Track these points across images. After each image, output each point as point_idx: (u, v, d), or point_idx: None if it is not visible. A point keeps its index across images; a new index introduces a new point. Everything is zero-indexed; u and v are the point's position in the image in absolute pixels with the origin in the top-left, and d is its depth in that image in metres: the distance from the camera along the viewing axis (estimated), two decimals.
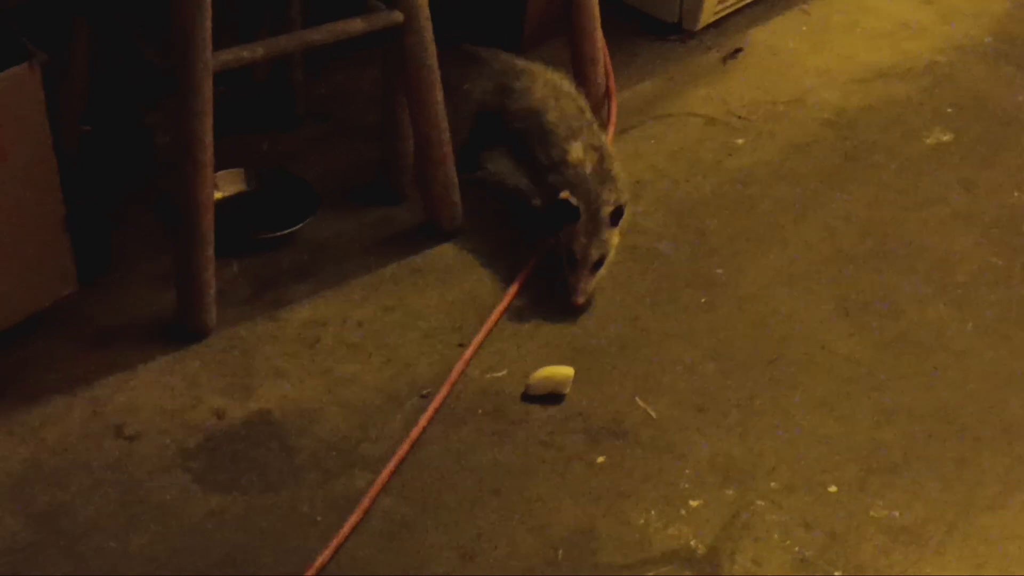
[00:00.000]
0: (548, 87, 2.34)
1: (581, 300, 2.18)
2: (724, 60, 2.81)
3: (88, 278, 2.11)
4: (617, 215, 2.19)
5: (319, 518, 1.86)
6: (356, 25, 2.13)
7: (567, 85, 2.36)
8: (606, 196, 2.19)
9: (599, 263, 2.18)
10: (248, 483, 1.91)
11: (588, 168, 2.22)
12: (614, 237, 2.20)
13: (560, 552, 1.85)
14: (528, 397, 2.05)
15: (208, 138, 1.99)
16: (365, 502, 1.87)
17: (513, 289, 2.22)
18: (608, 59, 2.56)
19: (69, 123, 2.28)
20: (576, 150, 2.24)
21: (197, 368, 2.06)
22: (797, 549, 1.87)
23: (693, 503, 1.91)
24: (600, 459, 1.97)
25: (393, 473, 1.92)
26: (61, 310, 2.08)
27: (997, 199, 2.49)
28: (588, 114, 2.33)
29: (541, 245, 2.29)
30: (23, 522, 1.83)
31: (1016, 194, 2.50)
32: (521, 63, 2.40)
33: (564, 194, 2.18)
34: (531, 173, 2.33)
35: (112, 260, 2.21)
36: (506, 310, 2.19)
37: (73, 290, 2.06)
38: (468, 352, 2.10)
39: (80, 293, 2.08)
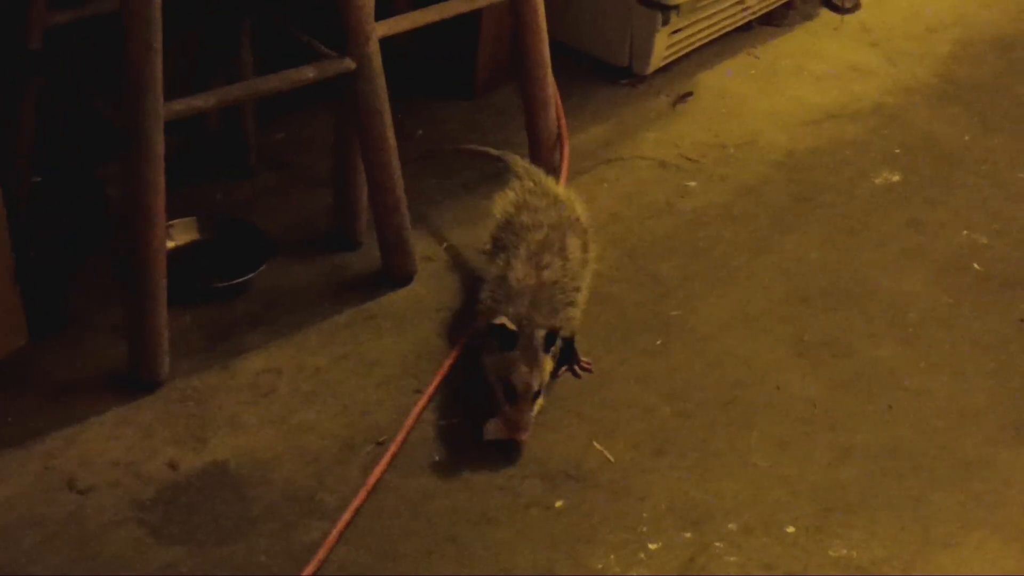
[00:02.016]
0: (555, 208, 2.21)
1: (526, 437, 2.00)
2: (674, 104, 2.83)
3: (42, 331, 2.09)
4: (550, 341, 2.01)
5: (276, 569, 1.84)
6: (308, 73, 2.14)
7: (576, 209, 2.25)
8: (540, 320, 2.03)
9: (538, 394, 2.00)
10: (203, 535, 1.88)
11: (527, 285, 2.08)
12: (549, 364, 2.03)
13: None
14: (486, 442, 2.04)
15: (160, 187, 1.99)
16: (322, 552, 1.85)
17: (468, 334, 2.21)
18: (560, 104, 2.57)
19: (18, 174, 2.27)
20: (521, 267, 2.10)
21: (151, 419, 2.04)
22: None
23: (652, 546, 1.91)
24: (558, 504, 1.97)
25: (350, 522, 1.90)
26: (12, 363, 2.05)
27: (946, 238, 2.52)
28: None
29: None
30: None
31: (965, 233, 2.53)
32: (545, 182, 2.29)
33: (500, 319, 2.01)
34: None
35: (67, 313, 2.19)
36: (461, 356, 2.18)
37: (24, 343, 2.04)
38: (424, 398, 2.09)
39: (32, 346, 2.06)
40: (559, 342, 2.05)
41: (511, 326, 2.01)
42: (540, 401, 2.02)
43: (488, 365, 2.03)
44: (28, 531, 1.87)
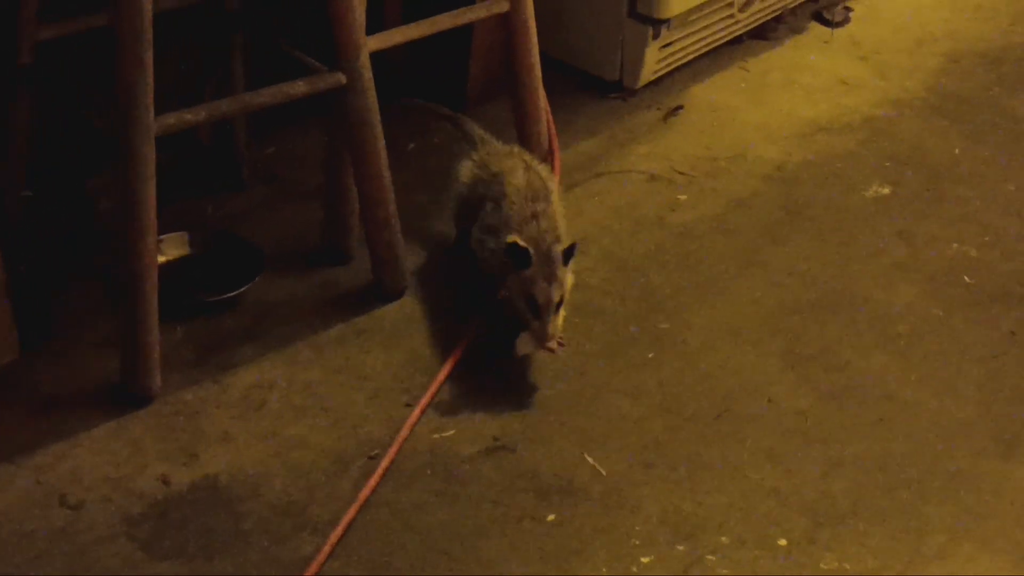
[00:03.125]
0: (522, 169, 2.29)
1: (555, 346, 2.11)
2: (665, 117, 2.84)
3: (30, 345, 2.08)
4: (569, 253, 2.13)
5: None
6: (299, 87, 2.14)
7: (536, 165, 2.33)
8: (551, 238, 2.14)
9: (559, 304, 2.12)
10: (195, 550, 1.88)
11: (527, 214, 2.17)
12: (568, 277, 2.14)
13: None
14: (520, 359, 2.11)
15: (151, 201, 1.99)
16: (314, 567, 1.85)
17: (460, 348, 2.21)
18: (551, 118, 2.58)
19: (10, 189, 2.27)
20: (517, 199, 2.20)
21: (142, 434, 2.04)
22: None
23: (644, 559, 1.91)
24: (550, 517, 1.97)
25: (342, 537, 1.90)
26: (3, 377, 2.05)
27: (936, 250, 2.52)
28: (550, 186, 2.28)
29: (487, 303, 2.29)
30: None
31: (955, 245, 2.54)
32: (504, 148, 2.38)
33: (512, 237, 2.12)
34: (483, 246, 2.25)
35: (53, 327, 2.18)
36: (453, 369, 2.19)
37: (15, 357, 2.04)
38: (416, 412, 2.09)
39: (23, 360, 2.06)
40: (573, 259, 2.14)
41: (523, 244, 2.10)
42: (563, 312, 2.13)
43: (509, 288, 2.12)
44: (19, 546, 1.86)
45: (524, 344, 2.11)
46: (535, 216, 2.18)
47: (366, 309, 2.29)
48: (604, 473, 2.04)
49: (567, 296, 2.14)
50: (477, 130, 2.45)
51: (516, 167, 2.28)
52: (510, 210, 2.20)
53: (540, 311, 2.09)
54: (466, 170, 2.35)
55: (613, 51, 2.84)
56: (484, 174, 2.31)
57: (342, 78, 2.14)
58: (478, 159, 2.35)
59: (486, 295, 2.24)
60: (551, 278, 2.10)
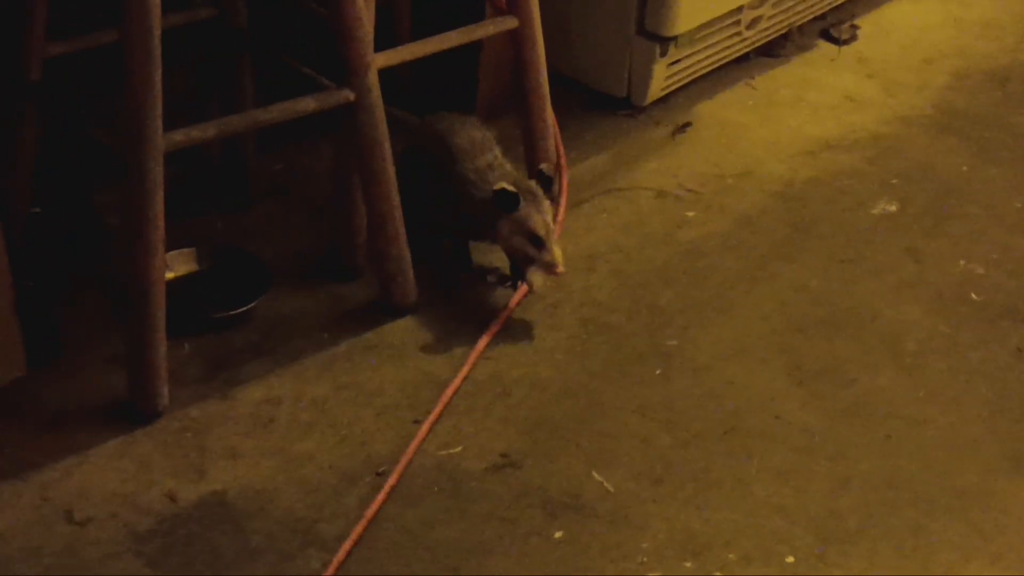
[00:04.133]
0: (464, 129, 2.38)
1: (563, 269, 2.21)
2: (673, 134, 2.84)
3: (36, 362, 2.08)
4: (545, 182, 2.25)
5: None
6: (307, 104, 2.14)
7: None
8: (517, 176, 2.29)
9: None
10: (202, 566, 1.88)
11: (485, 164, 2.29)
12: (549, 208, 2.25)
13: None
14: (535, 294, 2.26)
15: (159, 219, 1.99)
16: None
17: (467, 365, 2.21)
18: (559, 135, 2.58)
19: (17, 205, 2.27)
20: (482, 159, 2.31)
21: (149, 450, 2.04)
22: None
23: None
24: (558, 534, 1.97)
25: (349, 553, 1.90)
26: (10, 394, 2.05)
27: (943, 268, 2.52)
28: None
29: (504, 310, 2.29)
30: None
31: (962, 263, 2.54)
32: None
33: (499, 184, 2.21)
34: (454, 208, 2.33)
35: (60, 343, 2.19)
36: (461, 386, 2.18)
37: (22, 374, 2.04)
38: (423, 429, 2.09)
39: (29, 376, 2.06)
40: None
41: (511, 188, 2.21)
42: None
43: (505, 233, 2.23)
44: (25, 563, 1.86)
45: (537, 277, 2.26)
46: (490, 166, 2.30)
47: (374, 325, 2.29)
48: (611, 490, 2.04)
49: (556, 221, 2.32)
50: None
51: (454, 127, 2.36)
52: (471, 164, 2.30)
53: (542, 241, 2.21)
54: (407, 142, 2.41)
55: (621, 68, 2.85)
56: (425, 142, 2.39)
57: (350, 95, 2.15)
58: (416, 131, 2.43)
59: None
60: (541, 209, 2.23)
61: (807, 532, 1.98)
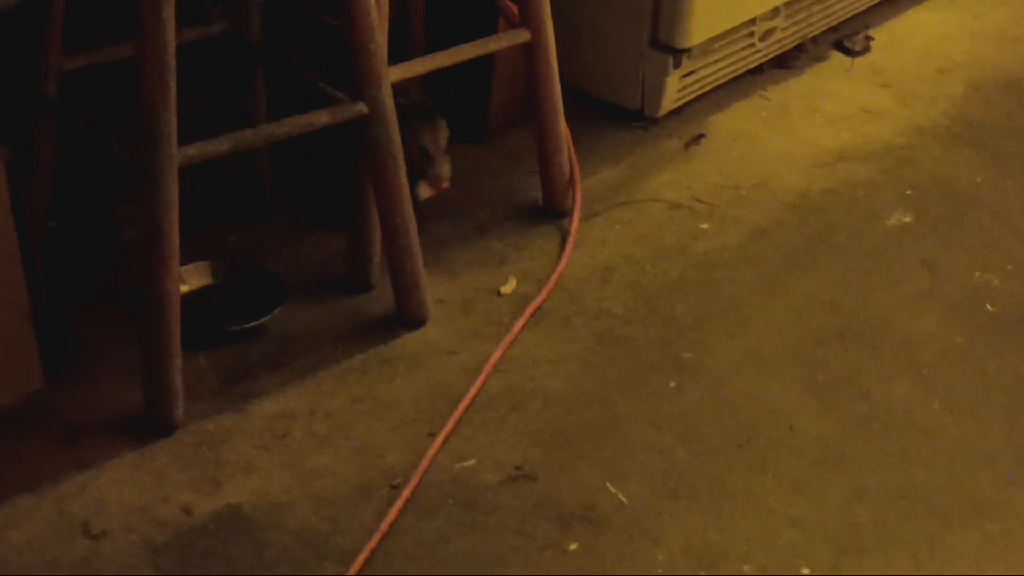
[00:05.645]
0: None
1: (447, 184, 2.42)
2: (687, 146, 2.84)
3: (53, 374, 2.09)
4: (430, 111, 2.41)
5: None
6: (321, 118, 2.15)
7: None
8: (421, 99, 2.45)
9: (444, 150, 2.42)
10: None
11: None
12: (444, 128, 2.43)
13: None
14: (422, 203, 2.37)
15: (174, 233, 2.00)
16: None
17: (482, 377, 2.22)
18: (572, 147, 2.59)
19: (35, 219, 2.28)
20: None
21: (165, 463, 2.05)
22: None
23: None
24: (572, 546, 1.96)
25: (364, 565, 1.90)
26: (26, 407, 2.06)
27: (958, 278, 2.52)
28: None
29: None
30: None
31: (977, 273, 2.53)
32: None
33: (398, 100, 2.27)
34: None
35: (76, 355, 2.19)
36: (475, 398, 2.19)
37: (38, 386, 2.04)
38: (438, 441, 2.09)
39: (46, 389, 2.06)
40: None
41: (403, 100, 2.31)
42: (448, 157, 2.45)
43: (406, 143, 2.31)
44: None
45: (424, 189, 2.42)
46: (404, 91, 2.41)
47: (388, 338, 2.30)
48: (626, 502, 2.03)
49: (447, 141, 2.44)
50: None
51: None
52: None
53: (432, 156, 2.40)
54: None
55: (634, 80, 2.85)
56: None
57: (364, 108, 2.15)
58: None
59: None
60: (435, 128, 2.41)
61: (823, 544, 1.98)
